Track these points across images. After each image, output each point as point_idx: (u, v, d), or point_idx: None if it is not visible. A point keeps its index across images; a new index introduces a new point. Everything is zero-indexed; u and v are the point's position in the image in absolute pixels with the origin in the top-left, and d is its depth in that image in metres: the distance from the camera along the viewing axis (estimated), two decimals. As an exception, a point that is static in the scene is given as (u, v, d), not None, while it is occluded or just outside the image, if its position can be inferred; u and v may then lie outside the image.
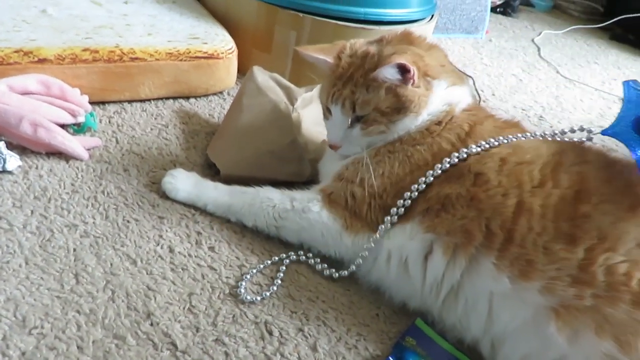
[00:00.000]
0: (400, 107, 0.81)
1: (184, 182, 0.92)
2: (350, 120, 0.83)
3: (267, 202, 0.86)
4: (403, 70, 0.79)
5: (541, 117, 1.57)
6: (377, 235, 0.80)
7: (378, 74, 0.79)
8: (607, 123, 1.61)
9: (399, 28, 1.21)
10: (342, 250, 0.84)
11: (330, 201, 0.84)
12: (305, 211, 0.84)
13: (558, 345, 0.66)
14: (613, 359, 0.64)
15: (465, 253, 0.72)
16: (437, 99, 0.83)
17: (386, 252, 0.80)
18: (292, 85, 1.09)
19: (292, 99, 1.04)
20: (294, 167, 0.97)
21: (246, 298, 0.77)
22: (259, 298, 0.78)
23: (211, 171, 1.00)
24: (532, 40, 2.26)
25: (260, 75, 1.07)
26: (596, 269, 0.66)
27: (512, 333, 0.71)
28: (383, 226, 0.79)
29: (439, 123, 0.83)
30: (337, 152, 0.86)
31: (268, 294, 0.79)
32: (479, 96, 1.58)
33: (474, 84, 1.65)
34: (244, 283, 0.79)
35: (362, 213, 0.82)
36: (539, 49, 2.15)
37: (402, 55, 0.80)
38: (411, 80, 0.80)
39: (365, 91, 0.80)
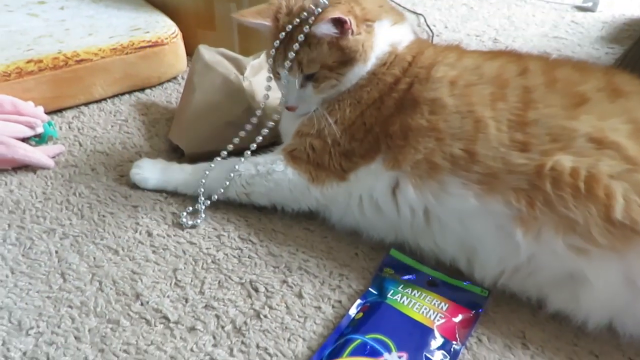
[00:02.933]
0: (346, 59, 0.81)
1: (151, 171, 0.94)
2: (300, 80, 0.83)
3: (232, 172, 0.88)
4: (339, 23, 0.78)
5: (495, 39, 1.58)
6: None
7: (315, 31, 0.79)
8: (561, 33, 1.63)
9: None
10: (313, 203, 0.87)
11: (293, 158, 0.86)
12: (270, 173, 0.86)
13: (526, 247, 0.70)
14: (579, 249, 0.67)
15: (434, 180, 0.75)
16: (381, 41, 0.84)
17: (357, 196, 0.83)
18: (239, 56, 1.10)
19: (241, 69, 1.06)
20: (253, 133, 0.99)
21: (187, 224, 0.86)
22: (198, 221, 0.86)
23: (177, 154, 1.03)
24: (479, -33, 2.25)
25: (207, 52, 1.08)
26: (548, 171, 0.68)
27: (484, 244, 0.75)
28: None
29: (384, 64, 0.84)
30: (295, 112, 0.88)
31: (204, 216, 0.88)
32: (432, 32, 1.59)
33: (425, 21, 1.66)
34: (185, 213, 0.88)
35: (324, 163, 0.84)
36: (486, -26, 2.14)
37: (335, 8, 0.79)
38: (349, 31, 0.80)
39: (309, 49, 0.81)
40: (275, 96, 0.99)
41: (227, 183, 0.88)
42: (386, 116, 0.81)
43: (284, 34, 0.82)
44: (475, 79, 0.78)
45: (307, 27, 0.80)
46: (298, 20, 0.81)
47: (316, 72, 0.82)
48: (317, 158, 0.85)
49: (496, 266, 0.75)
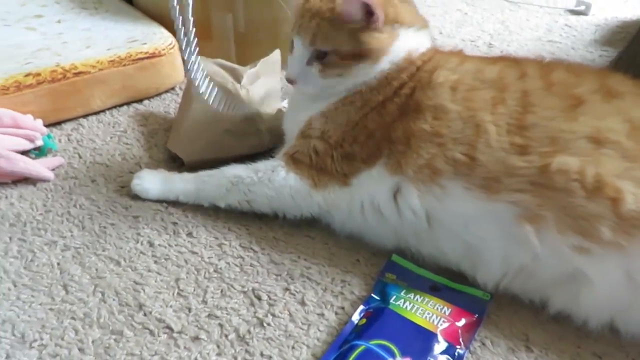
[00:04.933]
0: (359, 53, 0.81)
1: (152, 181, 0.94)
2: (309, 55, 0.82)
3: (233, 180, 0.88)
4: (367, 12, 0.78)
5: (490, 44, 1.60)
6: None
7: (342, 8, 0.78)
8: (555, 37, 1.64)
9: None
10: (315, 209, 0.86)
11: (295, 162, 0.86)
12: (271, 180, 0.86)
13: (529, 246, 0.71)
14: (582, 249, 0.68)
15: (436, 185, 0.76)
16: (401, 47, 0.83)
17: (359, 201, 0.83)
18: (236, 66, 1.11)
19: (238, 78, 1.07)
20: (252, 140, 1.00)
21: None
22: None
23: (176, 164, 1.03)
24: (472, -27, 2.27)
25: (203, 63, 1.09)
26: (553, 172, 0.69)
27: (488, 247, 0.75)
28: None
29: (397, 69, 0.82)
30: (294, 87, 0.86)
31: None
32: (426, 37, 1.61)
33: (419, 27, 1.67)
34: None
35: (327, 166, 0.84)
36: (479, -20, 2.16)
37: None
38: (375, 25, 0.79)
39: (328, 25, 0.80)
40: (274, 105, 1.00)
41: (228, 191, 0.89)
42: (388, 122, 0.81)
43: (311, 3, 0.81)
44: (477, 84, 0.78)
45: (336, 4, 0.79)
46: None
47: (327, 55, 0.81)
48: (319, 161, 0.84)
49: (500, 268, 0.75)
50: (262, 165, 0.88)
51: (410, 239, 0.82)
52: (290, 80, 0.86)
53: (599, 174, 0.67)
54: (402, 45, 0.83)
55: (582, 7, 1.82)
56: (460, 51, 0.89)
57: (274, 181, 0.86)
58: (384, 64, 0.82)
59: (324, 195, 0.85)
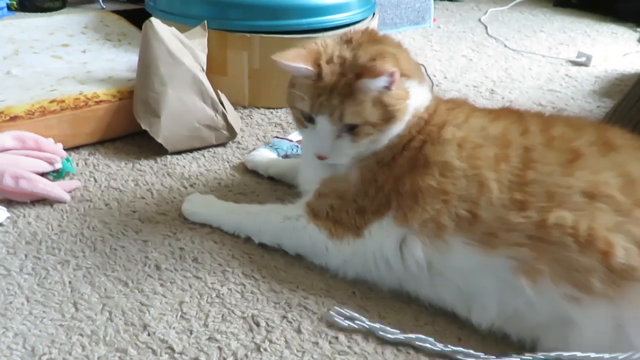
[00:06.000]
0: (388, 117, 0.82)
1: (199, 206, 1.01)
2: (337, 130, 0.82)
3: (267, 224, 0.94)
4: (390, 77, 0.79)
5: (492, 90, 1.66)
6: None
7: (368, 85, 0.79)
8: (555, 86, 1.71)
9: (344, 31, 1.30)
10: (330, 260, 0.89)
11: (314, 214, 0.90)
12: (294, 228, 0.91)
13: (524, 295, 0.74)
14: (574, 298, 0.71)
15: (439, 239, 0.79)
16: (413, 101, 0.85)
17: (372, 254, 0.85)
18: (189, 42, 1.22)
19: (197, 58, 1.20)
20: (222, 133, 1.23)
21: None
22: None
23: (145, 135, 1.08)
24: (479, 20, 2.36)
25: (163, 32, 1.16)
26: (549, 227, 0.72)
27: (484, 295, 0.78)
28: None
29: (409, 126, 0.85)
30: (325, 162, 0.86)
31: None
32: (431, 81, 1.67)
33: (425, 71, 1.74)
34: None
35: (342, 220, 0.87)
36: (486, 28, 2.25)
37: (384, 60, 0.80)
38: (393, 86, 0.80)
39: (353, 101, 0.80)
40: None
41: (261, 231, 0.94)
42: (397, 175, 0.84)
43: (326, 80, 0.81)
44: (481, 141, 0.81)
45: (353, 77, 0.80)
46: (340, 69, 0.81)
47: (357, 126, 0.82)
48: (335, 215, 0.88)
49: (494, 312, 0.78)
50: (289, 211, 0.93)
51: (411, 285, 0.85)
52: (321, 157, 0.86)
53: (591, 227, 0.71)
54: (412, 100, 0.84)
55: (583, 59, 1.89)
56: (463, 101, 0.93)
57: (297, 231, 0.91)
58: (405, 122, 0.84)
59: (340, 247, 0.87)
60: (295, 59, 0.82)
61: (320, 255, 0.90)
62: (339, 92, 0.81)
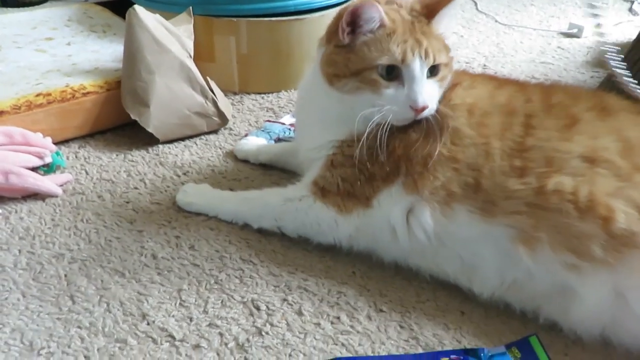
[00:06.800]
0: (450, 59, 0.82)
1: (195, 196, 1.00)
2: (427, 75, 0.79)
3: (266, 208, 0.92)
4: None
5: (485, 65, 1.64)
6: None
7: (441, 18, 0.80)
8: (548, 58, 1.69)
9: (332, 12, 1.28)
10: (340, 235, 0.87)
11: (324, 192, 0.87)
12: (299, 209, 0.89)
13: (523, 264, 0.74)
14: (573, 266, 0.71)
15: (448, 207, 0.78)
16: None
17: (379, 225, 0.83)
18: (175, 29, 1.20)
19: (183, 44, 1.18)
20: (213, 120, 1.21)
21: None
22: None
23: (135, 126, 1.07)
24: (469, -4, 2.33)
25: (148, 19, 1.14)
26: (548, 193, 0.72)
27: (485, 264, 0.78)
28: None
29: None
30: (423, 113, 0.79)
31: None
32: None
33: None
34: None
35: (355, 191, 0.84)
36: (476, 4, 2.22)
37: None
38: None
39: (435, 40, 0.80)
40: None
41: (261, 216, 0.93)
42: (413, 139, 0.81)
43: (403, 24, 0.79)
44: (490, 108, 0.81)
45: (423, 15, 0.80)
46: (409, 11, 0.81)
47: (438, 68, 0.80)
48: (347, 187, 0.85)
49: (494, 281, 0.78)
50: (291, 193, 0.91)
51: (414, 257, 0.84)
52: (421, 110, 0.79)
53: (592, 193, 0.70)
54: None
55: (575, 30, 1.87)
56: (462, 71, 0.92)
57: (301, 211, 0.89)
58: None
59: (348, 219, 0.85)
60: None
61: (328, 232, 0.88)
62: (422, 32, 0.79)
